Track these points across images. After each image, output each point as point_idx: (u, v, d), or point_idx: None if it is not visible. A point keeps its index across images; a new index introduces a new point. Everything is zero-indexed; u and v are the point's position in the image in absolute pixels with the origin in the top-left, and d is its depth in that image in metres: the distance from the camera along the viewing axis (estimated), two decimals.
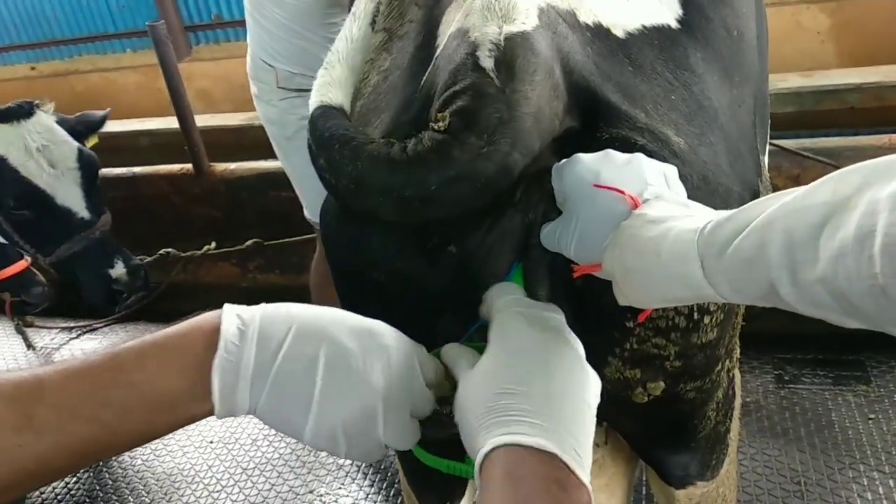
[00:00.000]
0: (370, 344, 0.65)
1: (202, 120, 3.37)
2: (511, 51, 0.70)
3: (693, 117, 0.84)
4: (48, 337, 3.19)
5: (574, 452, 0.62)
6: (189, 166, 3.14)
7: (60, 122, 2.26)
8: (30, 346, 3.08)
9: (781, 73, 3.07)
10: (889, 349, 2.38)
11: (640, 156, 0.71)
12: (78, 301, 2.38)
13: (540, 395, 0.62)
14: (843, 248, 0.49)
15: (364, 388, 0.63)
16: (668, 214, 0.65)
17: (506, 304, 0.71)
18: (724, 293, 0.61)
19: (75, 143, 2.25)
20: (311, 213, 2.25)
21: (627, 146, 0.73)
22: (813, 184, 0.55)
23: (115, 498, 2.26)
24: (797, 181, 2.53)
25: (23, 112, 2.15)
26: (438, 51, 0.81)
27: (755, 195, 0.90)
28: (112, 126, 3.66)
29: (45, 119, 2.19)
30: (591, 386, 0.68)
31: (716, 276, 0.60)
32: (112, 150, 3.49)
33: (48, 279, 2.52)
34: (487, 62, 0.70)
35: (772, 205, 0.57)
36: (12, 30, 4.88)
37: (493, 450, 0.60)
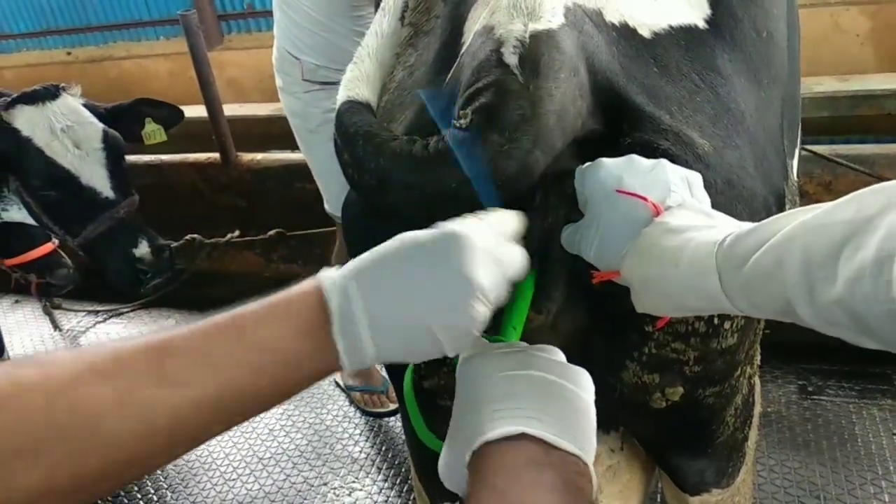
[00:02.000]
0: (449, 244, 0.62)
1: (231, 109, 3.40)
2: (536, 48, 0.70)
3: (719, 120, 0.83)
4: (74, 320, 3.24)
5: (581, 444, 0.60)
6: (216, 155, 3.16)
7: (87, 106, 2.29)
8: (57, 327, 3.13)
9: (818, 76, 3.01)
10: None
11: (664, 162, 0.70)
12: (104, 286, 2.41)
13: (535, 401, 0.62)
14: (862, 270, 0.49)
15: (460, 283, 0.61)
16: (689, 224, 0.65)
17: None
18: (741, 307, 0.60)
19: (100, 125, 2.28)
20: (332, 206, 2.26)
21: (650, 150, 0.72)
22: (836, 202, 0.54)
23: (133, 484, 2.29)
24: (829, 188, 2.49)
25: (49, 94, 2.18)
26: (464, 48, 0.81)
27: (781, 199, 0.89)
28: None
29: (70, 101, 2.22)
30: (581, 379, 0.67)
31: (733, 291, 0.59)
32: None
33: (74, 262, 2.56)
34: (512, 59, 0.69)
35: (793, 221, 0.56)
36: (49, 14, 4.96)
37: (497, 441, 0.59)
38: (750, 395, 1.07)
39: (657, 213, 0.66)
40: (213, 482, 2.25)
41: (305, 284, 0.63)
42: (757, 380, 1.09)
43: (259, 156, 3.18)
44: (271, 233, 2.88)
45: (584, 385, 0.67)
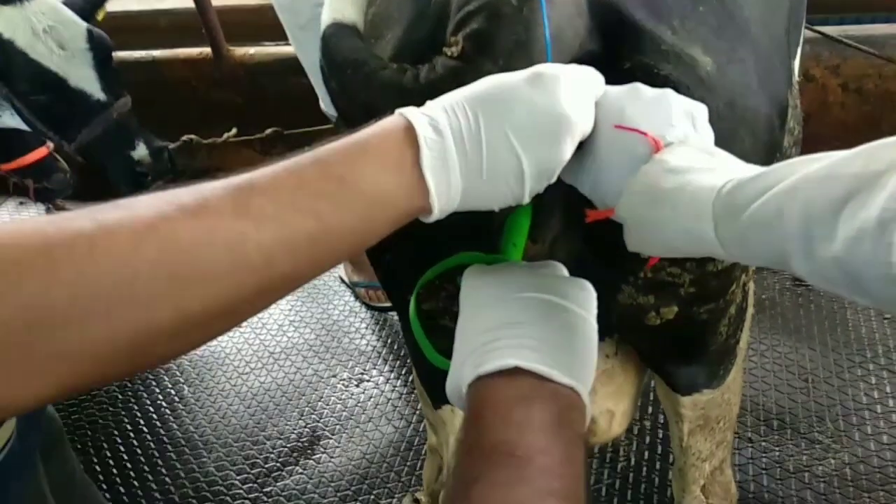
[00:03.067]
0: (542, 81, 0.62)
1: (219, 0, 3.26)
2: None
3: (723, 31, 0.80)
4: None
5: (577, 374, 0.61)
6: (208, 50, 3.07)
7: (65, 3, 2.21)
8: None
9: None
10: None
11: (668, 93, 0.68)
12: (106, 187, 2.42)
13: (534, 327, 0.62)
14: (863, 229, 0.47)
15: (555, 118, 0.61)
16: (688, 165, 0.63)
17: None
18: (735, 255, 0.60)
19: (84, 24, 2.19)
20: (328, 105, 2.22)
21: (651, 76, 0.70)
22: (842, 153, 0.52)
23: (150, 377, 2.39)
24: (836, 72, 2.42)
25: None
26: None
27: (784, 112, 0.87)
28: (131, 5, 3.58)
29: (49, 0, 2.13)
30: (582, 295, 0.68)
31: (728, 239, 0.58)
32: (132, 30, 3.43)
33: (73, 167, 2.55)
34: None
35: (796, 171, 0.54)
36: None
37: (489, 375, 0.60)
38: (744, 300, 1.09)
39: (657, 149, 0.65)
40: (227, 375, 2.35)
41: (389, 121, 0.60)
42: (751, 283, 1.11)
43: (252, 50, 3.09)
44: (268, 131, 2.84)
45: (585, 302, 0.68)
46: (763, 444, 1.82)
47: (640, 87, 0.68)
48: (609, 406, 1.26)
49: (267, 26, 3.15)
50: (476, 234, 0.83)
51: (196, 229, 0.52)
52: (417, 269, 0.91)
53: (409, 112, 0.60)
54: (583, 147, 0.68)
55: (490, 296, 0.67)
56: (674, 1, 0.77)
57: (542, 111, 0.60)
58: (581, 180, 0.70)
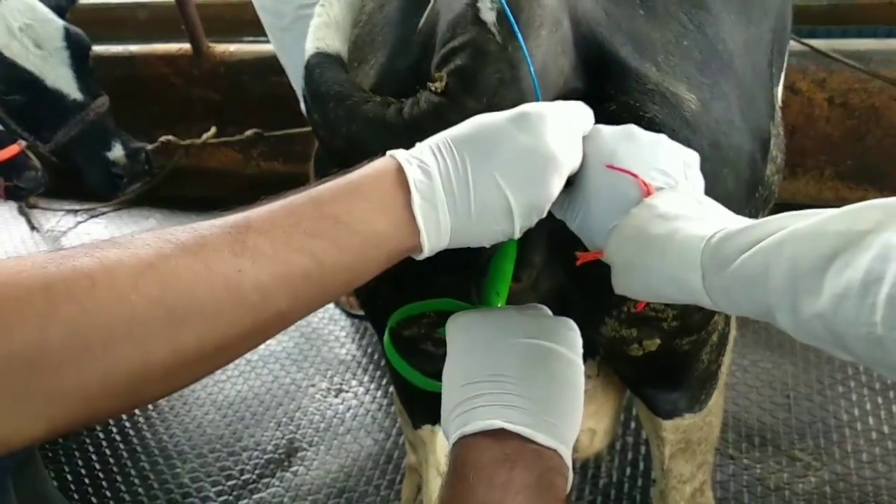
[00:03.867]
0: (528, 121, 0.62)
1: None
2: (515, 3, 0.64)
3: (706, 65, 0.78)
4: (54, 219, 3.19)
5: (561, 433, 0.61)
6: (187, 46, 3.01)
7: (43, 1, 2.15)
8: (33, 228, 3.09)
9: None
10: None
11: (662, 138, 0.67)
12: (81, 185, 2.37)
13: (519, 380, 0.62)
14: (848, 289, 0.47)
15: (541, 156, 0.62)
16: (678, 212, 0.62)
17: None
18: (721, 305, 0.59)
19: (61, 22, 2.16)
20: None
21: (636, 118, 0.68)
22: (829, 211, 0.52)
23: None
24: (822, 85, 2.42)
25: None
26: None
27: (766, 145, 0.86)
28: None
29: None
30: (568, 337, 0.68)
31: (715, 289, 0.58)
32: (111, 22, 3.36)
33: (48, 163, 2.49)
34: (489, 15, 0.64)
35: (785, 226, 0.54)
36: None
37: (473, 434, 0.60)
38: (726, 327, 1.08)
39: (647, 193, 0.64)
40: (202, 383, 2.30)
41: (380, 162, 0.61)
42: None
43: (232, 47, 3.03)
44: (248, 133, 2.79)
45: (571, 343, 0.69)
46: (744, 460, 1.81)
47: (634, 130, 0.67)
48: (590, 425, 1.25)
49: (248, 22, 3.10)
50: (459, 268, 0.81)
51: (194, 266, 0.53)
52: (397, 297, 0.89)
53: (399, 154, 0.61)
54: (573, 183, 0.68)
55: (475, 341, 0.67)
56: (659, 35, 0.75)
57: (528, 150, 0.61)
58: (570, 217, 0.69)
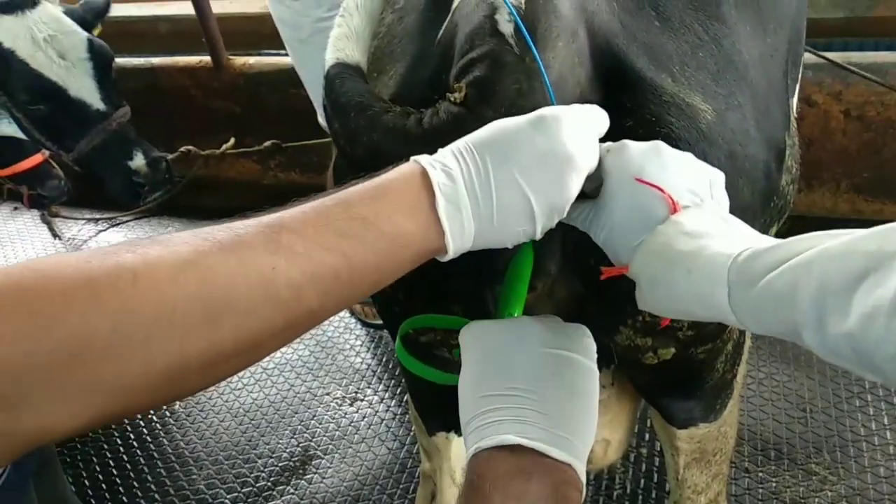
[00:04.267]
0: (545, 124, 0.64)
1: (219, 7, 3.25)
2: (532, 14, 0.65)
3: (721, 76, 0.79)
4: (75, 228, 3.24)
5: (575, 448, 0.62)
6: (207, 59, 3.06)
7: (66, 13, 2.19)
8: (56, 235, 3.14)
9: None
10: None
11: (689, 157, 0.68)
12: (102, 194, 2.40)
13: (534, 393, 0.63)
14: (878, 308, 0.47)
15: (561, 158, 0.63)
16: (704, 230, 0.63)
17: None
18: (747, 324, 0.60)
19: (84, 33, 2.19)
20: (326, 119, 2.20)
21: (653, 133, 0.69)
22: (859, 231, 0.52)
23: None
24: (839, 98, 2.41)
25: (27, 2, 2.08)
26: (456, 2, 0.76)
27: (781, 155, 0.86)
28: (131, 10, 3.56)
29: (50, 9, 2.12)
30: (583, 343, 0.69)
31: (741, 307, 0.59)
32: (133, 35, 3.42)
33: (70, 172, 2.53)
34: (507, 27, 0.65)
35: (813, 245, 0.54)
36: None
37: (489, 448, 0.61)
38: (741, 336, 1.08)
39: (674, 210, 0.64)
40: (219, 391, 2.32)
41: (405, 167, 0.63)
42: None
43: (252, 59, 3.07)
44: (266, 144, 2.83)
45: (587, 350, 0.70)
46: (760, 474, 1.80)
47: (662, 147, 0.68)
48: (605, 435, 1.25)
49: (267, 35, 3.15)
50: (473, 274, 0.82)
51: (230, 263, 0.54)
52: (412, 303, 0.90)
53: (423, 159, 0.63)
54: (600, 197, 0.68)
55: (491, 350, 0.68)
56: (674, 46, 0.76)
57: (546, 152, 0.62)
58: (595, 231, 0.70)
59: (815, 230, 0.57)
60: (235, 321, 0.54)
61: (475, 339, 0.70)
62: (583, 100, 0.70)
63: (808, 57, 2.36)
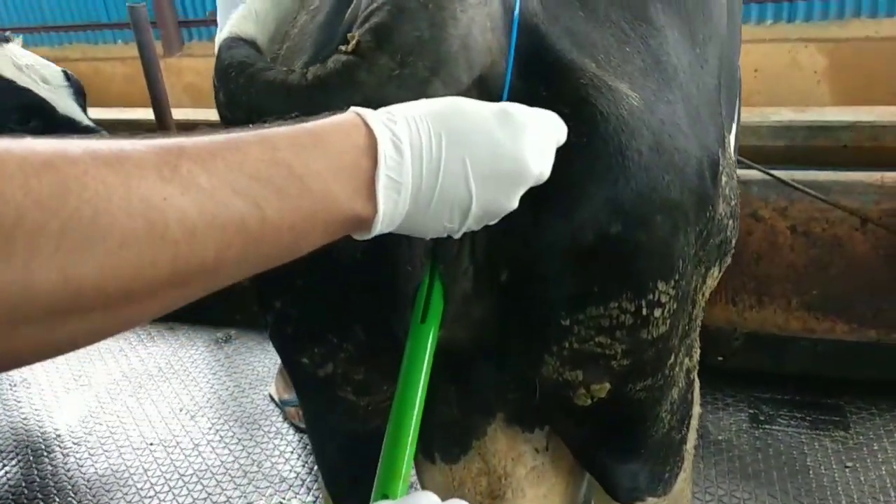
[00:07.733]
0: (511, 123, 0.59)
1: (183, 113, 3.28)
2: None
3: (649, 73, 0.75)
4: None
5: None
6: None
7: None
8: None
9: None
10: (869, 395, 2.27)
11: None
12: None
13: None
14: None
15: (517, 166, 0.59)
16: None
17: None
18: None
19: (57, 67, 2.28)
20: None
21: (575, 112, 0.64)
22: None
23: (40, 497, 2.12)
24: (784, 214, 2.44)
25: (1, 38, 2.21)
26: None
27: (715, 165, 0.80)
28: (93, 113, 3.58)
29: (21, 48, 2.24)
30: None
31: None
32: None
33: None
34: None
35: None
36: (3, 12, 4.81)
37: None
38: (688, 390, 0.98)
39: None
40: (127, 499, 2.08)
41: (346, 120, 0.54)
42: (696, 377, 1.00)
43: None
44: None
45: None
46: None
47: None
48: None
49: None
50: (373, 289, 0.73)
51: (108, 179, 0.42)
52: (306, 321, 0.79)
53: (371, 118, 0.54)
54: None
55: None
56: (599, 37, 0.72)
57: (504, 154, 0.58)
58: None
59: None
60: (102, 254, 0.41)
61: None
62: (492, 69, 0.64)
63: (754, 173, 2.42)
